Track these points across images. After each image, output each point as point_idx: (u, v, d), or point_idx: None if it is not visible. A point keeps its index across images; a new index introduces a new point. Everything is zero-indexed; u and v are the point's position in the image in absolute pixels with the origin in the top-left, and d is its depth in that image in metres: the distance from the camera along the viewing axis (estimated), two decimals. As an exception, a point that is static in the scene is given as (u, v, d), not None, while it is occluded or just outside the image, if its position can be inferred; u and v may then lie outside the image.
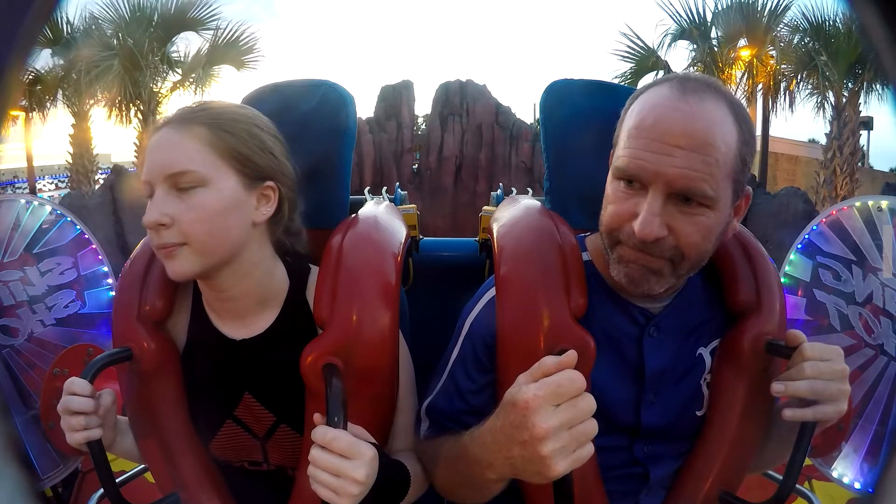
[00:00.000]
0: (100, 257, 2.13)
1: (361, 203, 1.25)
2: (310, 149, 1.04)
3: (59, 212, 2.12)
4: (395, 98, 8.77)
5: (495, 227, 1.05)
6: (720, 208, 0.83)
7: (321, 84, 1.15)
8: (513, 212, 1.07)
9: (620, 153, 0.85)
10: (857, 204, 2.22)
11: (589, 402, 0.70)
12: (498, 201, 1.56)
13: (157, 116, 9.06)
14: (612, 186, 0.87)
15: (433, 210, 8.38)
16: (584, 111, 1.11)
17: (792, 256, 2.31)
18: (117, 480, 0.92)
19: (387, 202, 1.26)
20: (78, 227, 2.11)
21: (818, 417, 0.83)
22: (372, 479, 0.78)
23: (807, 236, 2.29)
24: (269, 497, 1.02)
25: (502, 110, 8.86)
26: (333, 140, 1.11)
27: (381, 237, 1.02)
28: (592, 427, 0.71)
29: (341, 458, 0.77)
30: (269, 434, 0.99)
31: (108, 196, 6.47)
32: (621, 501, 0.96)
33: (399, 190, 1.81)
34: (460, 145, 8.70)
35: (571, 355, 0.72)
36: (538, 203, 1.13)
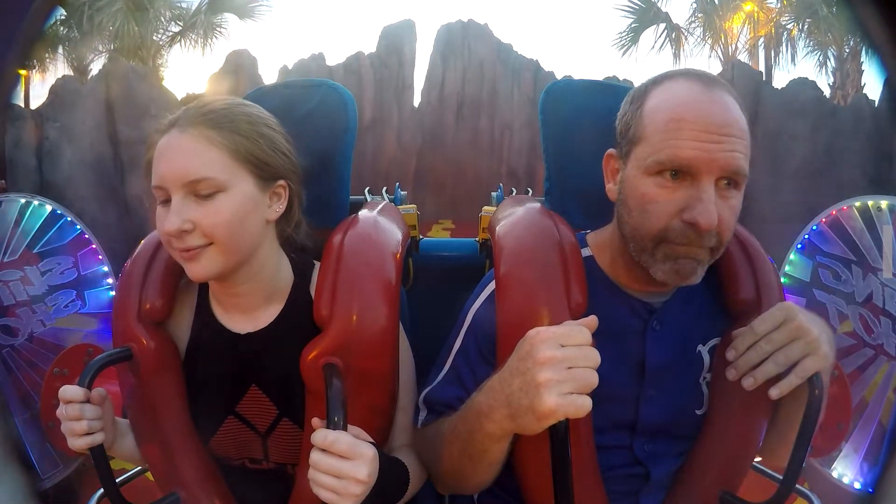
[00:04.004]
0: (100, 257, 2.13)
1: (361, 203, 1.25)
2: (310, 149, 1.04)
3: (59, 211, 2.12)
4: (397, 36, 8.68)
5: (495, 227, 1.05)
6: (743, 188, 0.86)
7: (321, 84, 1.15)
8: (513, 212, 1.07)
9: (660, 146, 0.84)
10: (857, 204, 2.22)
11: (594, 353, 0.74)
12: (498, 201, 1.56)
13: (159, 66, 8.83)
14: (645, 183, 0.86)
15: (434, 147, 8.23)
16: (583, 111, 1.11)
17: (792, 256, 2.31)
18: (117, 480, 0.92)
19: (387, 202, 1.26)
20: (78, 226, 2.11)
21: (804, 376, 0.82)
22: (373, 478, 0.79)
23: (807, 236, 2.29)
24: (269, 496, 1.03)
25: (504, 47, 8.80)
26: (333, 140, 1.12)
27: (381, 237, 1.02)
28: (593, 377, 0.73)
29: (342, 459, 0.77)
30: (271, 429, 1.00)
31: (101, 84, 6.37)
32: (621, 501, 0.96)
33: (399, 190, 1.81)
34: (462, 83, 8.61)
35: (591, 319, 0.78)
36: (538, 203, 1.13)
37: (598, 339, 0.86)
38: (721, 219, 0.83)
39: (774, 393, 0.84)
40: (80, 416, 0.86)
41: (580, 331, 0.76)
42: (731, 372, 0.88)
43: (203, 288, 1.01)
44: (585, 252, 0.98)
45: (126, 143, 6.14)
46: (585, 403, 0.73)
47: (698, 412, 0.97)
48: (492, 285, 0.98)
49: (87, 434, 0.87)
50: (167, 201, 0.87)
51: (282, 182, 0.95)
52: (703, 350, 0.97)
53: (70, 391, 0.87)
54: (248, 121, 0.91)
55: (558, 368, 0.72)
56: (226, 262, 0.89)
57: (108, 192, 5.99)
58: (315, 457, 0.77)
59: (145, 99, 6.22)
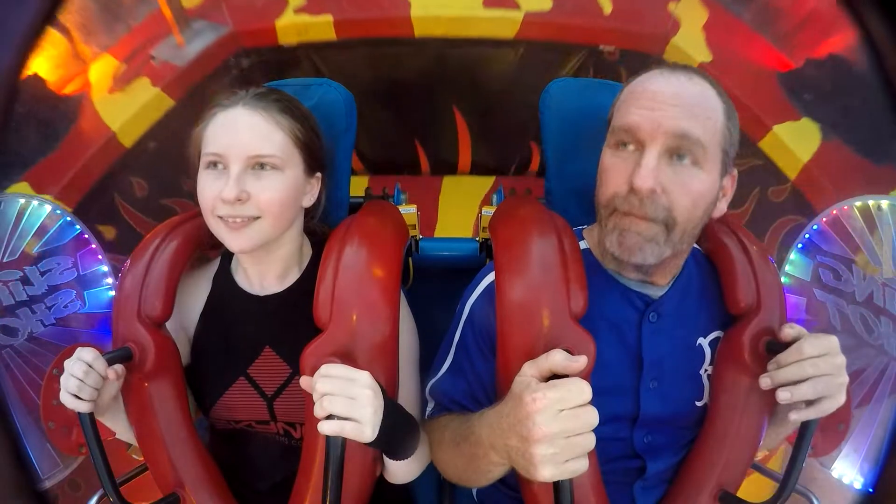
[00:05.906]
0: (100, 257, 2.13)
1: (361, 203, 1.25)
2: None
3: (59, 211, 2.12)
4: None
5: (496, 227, 1.05)
6: (710, 171, 0.87)
7: (321, 84, 1.15)
8: (513, 211, 1.07)
9: (615, 120, 0.90)
10: (858, 204, 2.22)
11: (592, 416, 0.72)
12: (498, 201, 1.56)
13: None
14: (606, 156, 0.91)
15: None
16: (583, 111, 1.11)
17: (792, 256, 2.31)
18: (117, 480, 0.92)
19: (386, 202, 1.26)
20: (77, 226, 2.11)
21: (820, 415, 0.84)
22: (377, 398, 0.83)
23: (807, 236, 2.29)
24: (276, 463, 1.05)
25: None
26: (332, 139, 1.11)
27: (380, 237, 1.02)
28: (590, 441, 0.72)
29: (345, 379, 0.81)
30: (280, 391, 1.02)
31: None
32: (616, 493, 0.96)
33: (399, 190, 1.81)
34: None
35: (582, 361, 0.76)
36: (538, 202, 1.12)
37: (597, 329, 0.86)
38: (670, 192, 0.85)
39: (794, 417, 0.86)
40: (84, 380, 0.87)
41: (580, 390, 0.73)
42: (765, 381, 0.88)
43: (224, 259, 1.09)
44: (582, 245, 0.99)
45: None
46: (582, 466, 0.73)
47: (698, 403, 0.97)
48: (489, 277, 0.99)
49: (79, 399, 0.88)
50: (215, 166, 0.94)
51: (318, 174, 1.05)
52: (704, 343, 0.97)
53: (96, 360, 0.89)
54: (306, 115, 1.02)
55: (555, 442, 0.71)
56: (268, 236, 0.97)
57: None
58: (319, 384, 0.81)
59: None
